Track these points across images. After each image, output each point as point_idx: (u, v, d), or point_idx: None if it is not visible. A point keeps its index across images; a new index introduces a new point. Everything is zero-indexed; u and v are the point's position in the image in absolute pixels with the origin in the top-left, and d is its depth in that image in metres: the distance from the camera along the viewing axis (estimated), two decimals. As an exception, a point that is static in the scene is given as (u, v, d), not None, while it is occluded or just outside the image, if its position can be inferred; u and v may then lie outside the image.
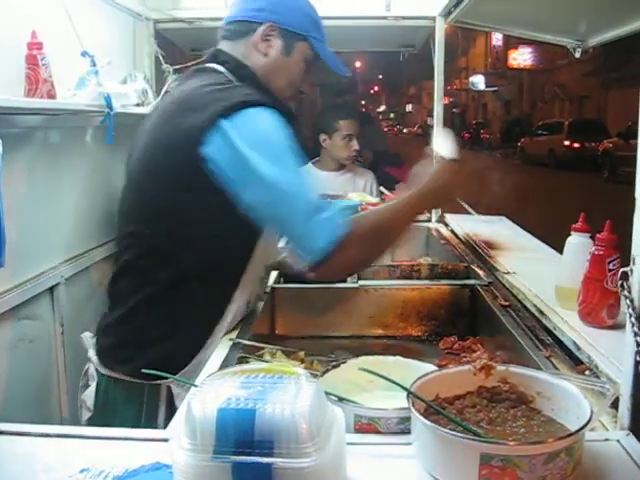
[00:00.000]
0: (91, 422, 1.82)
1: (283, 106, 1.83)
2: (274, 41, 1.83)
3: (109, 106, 2.62)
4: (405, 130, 41.44)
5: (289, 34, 1.84)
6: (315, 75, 1.99)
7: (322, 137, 3.98)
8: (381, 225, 1.74)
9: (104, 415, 1.79)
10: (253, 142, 1.59)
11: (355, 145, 3.91)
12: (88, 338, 1.94)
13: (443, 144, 1.84)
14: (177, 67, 3.66)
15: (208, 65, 1.86)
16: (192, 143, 1.61)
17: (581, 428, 0.98)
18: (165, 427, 1.63)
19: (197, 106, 1.66)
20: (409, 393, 1.08)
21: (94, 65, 2.60)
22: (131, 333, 1.80)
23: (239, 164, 1.59)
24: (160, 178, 1.73)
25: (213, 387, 0.93)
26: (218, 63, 1.84)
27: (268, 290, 2.25)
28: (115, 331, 1.84)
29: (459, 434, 0.98)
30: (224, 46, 1.88)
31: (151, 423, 1.74)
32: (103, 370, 1.82)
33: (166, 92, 2.84)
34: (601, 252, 1.63)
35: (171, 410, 1.71)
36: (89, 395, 1.85)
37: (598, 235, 1.66)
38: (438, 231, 3.43)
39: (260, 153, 1.58)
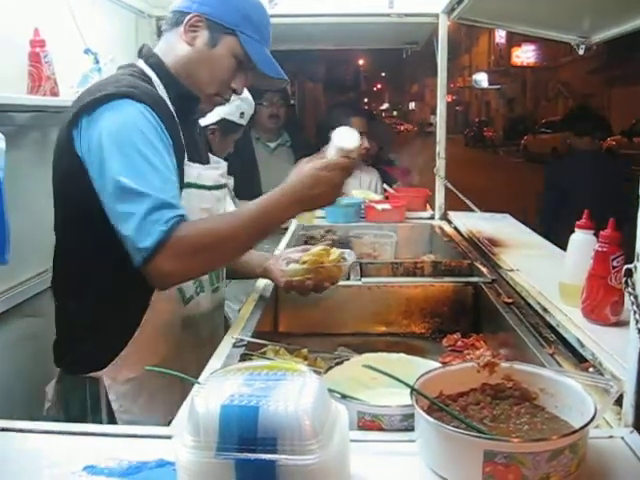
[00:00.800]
0: (49, 412, 1.92)
1: (185, 99, 1.87)
2: (200, 32, 1.82)
3: (112, 103, 2.62)
4: (402, 127, 41.32)
5: (216, 26, 1.82)
6: (256, 77, 1.92)
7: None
8: (214, 235, 1.63)
9: (58, 405, 1.89)
10: (106, 134, 1.61)
11: (365, 143, 3.91)
12: None
13: (344, 135, 1.79)
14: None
15: (127, 63, 1.92)
16: (65, 142, 1.70)
17: (585, 425, 0.97)
18: (107, 416, 1.81)
19: (74, 105, 1.72)
20: (413, 390, 1.08)
21: (97, 62, 2.61)
22: (61, 329, 1.91)
23: (93, 157, 1.62)
24: (57, 177, 1.85)
25: (216, 384, 0.93)
26: (140, 57, 1.90)
27: (271, 288, 2.24)
28: (56, 324, 1.94)
29: (463, 431, 0.97)
30: (162, 37, 1.92)
31: (96, 411, 1.82)
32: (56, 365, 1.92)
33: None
34: (605, 249, 1.63)
35: (108, 401, 1.82)
36: (50, 387, 1.94)
37: (602, 232, 1.65)
38: (441, 228, 3.43)
39: (109, 145, 1.60)
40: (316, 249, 2.02)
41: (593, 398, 1.07)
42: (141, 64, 1.87)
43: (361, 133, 3.84)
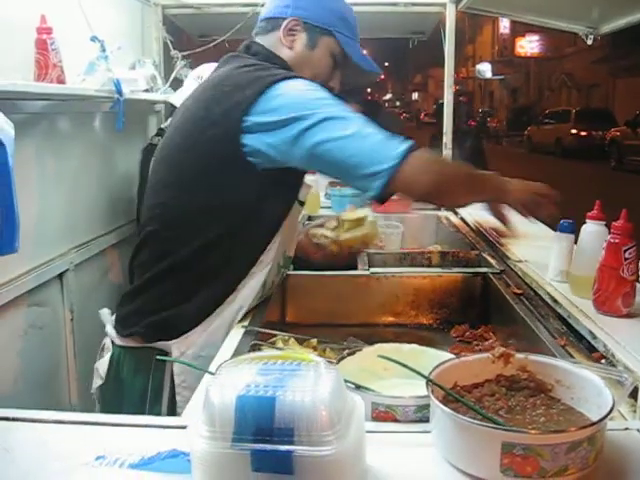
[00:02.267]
0: (101, 390, 1.93)
1: None
2: (298, 35, 1.91)
3: (119, 92, 2.61)
4: (407, 115, 41.34)
5: (313, 28, 1.91)
6: (348, 74, 2.01)
7: None
8: (445, 165, 1.89)
9: (114, 384, 1.89)
10: (305, 96, 1.68)
11: None
12: (106, 314, 2.00)
13: None
14: (185, 53, 3.65)
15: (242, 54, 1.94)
16: (235, 117, 1.68)
17: (604, 417, 0.96)
18: (169, 400, 1.81)
19: (241, 83, 1.73)
20: (428, 381, 1.07)
21: (104, 50, 2.59)
22: (145, 301, 1.87)
23: (298, 107, 1.66)
24: (195, 152, 1.78)
25: (231, 374, 0.92)
26: (250, 54, 1.92)
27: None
28: (131, 300, 1.91)
29: (481, 422, 0.96)
30: (256, 39, 1.97)
31: (157, 395, 1.83)
32: (118, 340, 1.90)
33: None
34: (617, 240, 1.62)
35: (173, 384, 1.82)
36: (102, 364, 1.93)
37: (614, 223, 1.64)
38: (448, 219, 3.41)
39: (316, 100, 1.68)
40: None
41: (610, 390, 1.06)
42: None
43: None
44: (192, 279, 1.82)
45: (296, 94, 1.69)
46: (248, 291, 1.87)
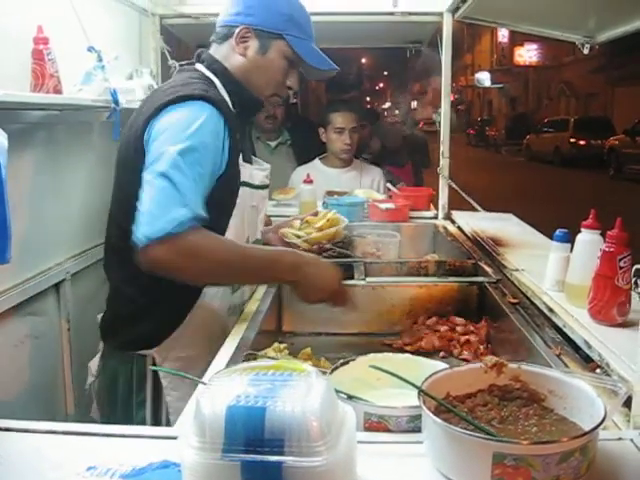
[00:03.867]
0: (92, 386, 2.09)
1: (248, 104, 2.05)
2: (250, 42, 1.98)
3: (115, 101, 2.61)
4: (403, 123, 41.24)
5: (264, 34, 1.97)
6: (307, 71, 2.10)
7: (321, 131, 4.00)
8: (228, 251, 1.76)
9: (104, 380, 2.04)
10: (172, 129, 1.73)
11: (346, 139, 3.89)
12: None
13: None
14: (183, 63, 3.65)
15: (188, 66, 2.07)
16: (139, 135, 1.79)
17: (596, 427, 0.96)
18: (152, 393, 1.94)
19: (151, 104, 1.83)
20: (420, 391, 1.07)
21: (100, 60, 2.59)
22: (118, 308, 2.02)
23: (154, 136, 1.75)
24: (124, 167, 1.91)
25: (222, 384, 0.92)
26: (199, 62, 2.04)
27: (275, 287, 2.24)
28: (109, 305, 2.07)
29: (472, 433, 0.96)
30: (212, 49, 2.06)
31: (141, 388, 1.95)
32: (103, 341, 2.06)
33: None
34: (612, 249, 1.62)
35: (157, 379, 1.95)
36: (94, 362, 2.10)
37: (609, 232, 1.64)
38: (445, 228, 3.41)
39: (172, 130, 1.72)
40: (310, 216, 2.50)
41: (603, 399, 1.06)
42: (202, 69, 2.01)
43: (343, 129, 3.87)
44: (153, 288, 1.86)
45: (177, 121, 1.75)
46: (214, 291, 2.00)
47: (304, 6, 2.06)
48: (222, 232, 1.92)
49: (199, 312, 1.99)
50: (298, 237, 2.48)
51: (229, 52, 2.00)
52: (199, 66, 2.03)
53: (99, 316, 2.11)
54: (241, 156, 2.01)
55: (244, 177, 2.02)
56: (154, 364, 1.95)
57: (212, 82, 1.96)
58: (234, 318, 2.01)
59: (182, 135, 1.70)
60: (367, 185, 4.04)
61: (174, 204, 1.62)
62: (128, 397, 1.95)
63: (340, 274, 1.93)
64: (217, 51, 2.04)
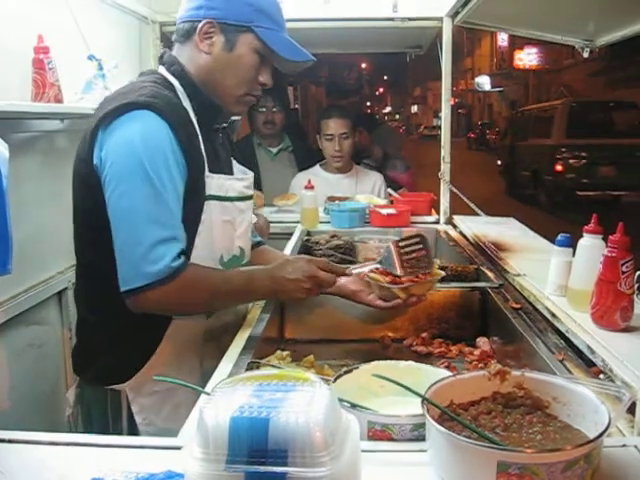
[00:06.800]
0: (71, 418, 1.97)
1: (207, 109, 1.85)
2: (215, 38, 1.77)
3: (116, 110, 2.61)
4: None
5: (230, 28, 1.77)
6: (282, 65, 1.88)
7: (318, 138, 4.01)
8: (212, 286, 1.73)
9: (81, 411, 1.94)
10: (119, 152, 1.62)
11: (335, 146, 3.90)
12: None
13: None
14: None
15: (149, 70, 1.92)
16: (87, 150, 1.67)
17: (600, 435, 0.96)
18: (128, 427, 1.83)
19: (96, 114, 1.71)
20: (424, 399, 1.07)
21: (101, 69, 2.60)
22: (85, 340, 1.91)
23: (106, 172, 1.63)
24: (75, 186, 1.79)
25: (225, 395, 0.91)
26: (161, 64, 1.87)
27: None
28: (78, 336, 1.96)
29: (476, 442, 0.96)
30: (174, 49, 1.88)
31: (117, 421, 1.85)
32: (75, 373, 1.95)
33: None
34: (614, 254, 1.61)
35: (130, 413, 1.84)
36: (71, 393, 1.97)
37: (611, 237, 1.64)
38: (447, 233, 3.41)
39: (120, 166, 1.62)
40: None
41: (607, 406, 1.06)
42: (163, 71, 1.84)
43: (332, 135, 3.87)
44: (117, 319, 1.76)
45: (121, 141, 1.64)
46: (185, 319, 1.85)
47: None
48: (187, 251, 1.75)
49: (170, 343, 1.83)
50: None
51: (192, 51, 1.80)
52: (161, 69, 1.85)
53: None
54: (206, 167, 1.80)
55: (210, 190, 1.81)
56: (127, 401, 1.83)
57: (171, 85, 1.79)
58: (212, 344, 1.92)
59: (136, 160, 1.60)
60: (367, 190, 4.04)
61: (163, 242, 1.60)
62: (104, 431, 1.83)
63: (310, 261, 1.84)
64: (180, 51, 1.85)
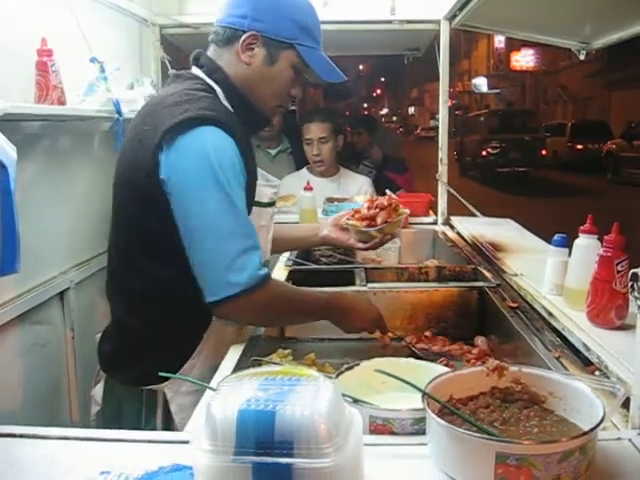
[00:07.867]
0: (99, 416, 1.95)
1: (253, 117, 1.87)
2: (257, 50, 1.78)
3: (118, 112, 2.64)
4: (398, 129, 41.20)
5: (273, 43, 1.78)
6: (313, 78, 1.91)
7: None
8: (292, 301, 1.81)
9: (110, 409, 1.90)
10: (191, 168, 1.61)
11: (314, 150, 3.91)
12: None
13: None
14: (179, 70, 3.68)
15: (186, 72, 1.86)
16: (150, 163, 1.63)
17: (595, 427, 0.99)
18: (163, 425, 1.82)
19: (153, 122, 1.68)
20: (424, 394, 1.10)
21: (103, 71, 2.63)
22: (122, 342, 1.88)
23: (177, 189, 1.63)
24: (127, 192, 1.76)
25: (232, 389, 0.94)
26: (197, 66, 1.85)
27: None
28: (110, 338, 1.92)
29: (475, 434, 0.99)
30: (210, 50, 1.86)
31: (150, 420, 1.83)
32: (106, 373, 1.92)
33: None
34: (609, 253, 1.64)
35: (167, 411, 1.83)
36: (98, 390, 1.94)
37: (606, 237, 1.67)
38: (444, 233, 3.44)
39: (194, 182, 1.61)
40: (367, 211, 2.23)
41: (601, 400, 1.09)
42: (201, 74, 1.82)
43: (321, 139, 3.87)
44: (158, 321, 1.80)
45: (191, 158, 1.62)
46: (223, 322, 1.87)
47: (314, 8, 1.87)
48: None
49: (208, 345, 1.85)
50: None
51: (232, 58, 1.80)
52: (197, 71, 1.83)
53: (98, 336, 1.99)
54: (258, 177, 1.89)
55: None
56: (165, 401, 1.83)
57: (214, 91, 1.79)
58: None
59: (210, 174, 1.60)
60: (354, 194, 4.03)
61: (245, 252, 1.62)
62: (136, 427, 1.79)
63: (376, 308, 1.96)
64: (217, 54, 1.83)
